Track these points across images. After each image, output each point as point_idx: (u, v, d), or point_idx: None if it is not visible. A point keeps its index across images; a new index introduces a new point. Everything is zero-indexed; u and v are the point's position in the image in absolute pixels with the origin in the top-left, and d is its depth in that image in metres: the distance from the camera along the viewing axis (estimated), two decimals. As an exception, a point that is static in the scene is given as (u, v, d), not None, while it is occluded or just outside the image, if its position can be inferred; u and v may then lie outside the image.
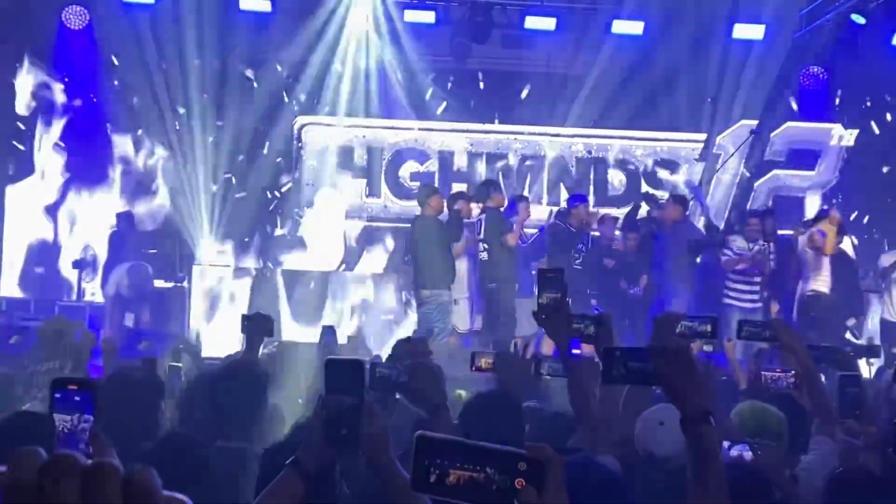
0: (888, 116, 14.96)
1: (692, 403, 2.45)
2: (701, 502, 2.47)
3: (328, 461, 2.40)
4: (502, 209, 11.08)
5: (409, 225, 11.46)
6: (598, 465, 2.94)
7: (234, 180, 14.37)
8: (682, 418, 2.46)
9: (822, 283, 11.36)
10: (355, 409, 2.33)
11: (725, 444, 3.75)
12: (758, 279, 11.68)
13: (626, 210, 13.33)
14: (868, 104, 14.96)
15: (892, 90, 14.78)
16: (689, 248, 11.81)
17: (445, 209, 11.05)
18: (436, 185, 13.79)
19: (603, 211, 13.21)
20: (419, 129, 14.70)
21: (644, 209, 13.02)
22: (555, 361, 4.56)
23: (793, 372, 4.71)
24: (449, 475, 1.45)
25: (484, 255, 10.94)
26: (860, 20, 13.40)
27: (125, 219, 13.23)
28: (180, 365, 6.01)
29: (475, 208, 11.36)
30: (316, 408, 2.38)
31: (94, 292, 13.37)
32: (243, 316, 5.67)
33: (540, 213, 13.73)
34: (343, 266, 14.26)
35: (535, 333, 10.34)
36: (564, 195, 14.63)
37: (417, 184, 13.43)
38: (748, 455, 3.69)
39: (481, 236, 10.94)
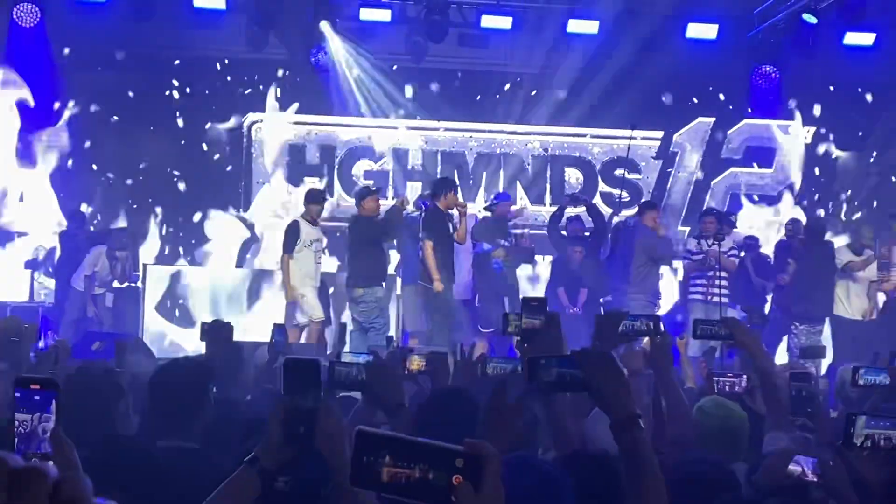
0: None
1: (620, 408, 2.44)
2: (639, 505, 2.46)
3: (285, 460, 2.41)
4: (450, 211, 10.96)
5: None
6: (535, 464, 2.92)
7: (183, 178, 14.30)
8: (612, 424, 2.45)
9: None
10: (313, 408, 2.35)
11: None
12: (721, 275, 11.69)
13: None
14: (821, 102, 15.14)
15: (845, 88, 14.94)
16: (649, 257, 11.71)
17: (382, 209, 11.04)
18: (390, 182, 13.87)
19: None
20: (373, 127, 14.64)
21: (573, 211, 12.89)
22: (501, 360, 4.61)
23: (745, 376, 4.73)
24: (387, 471, 1.45)
25: (421, 254, 10.79)
26: (812, 20, 13.57)
27: (74, 218, 13.07)
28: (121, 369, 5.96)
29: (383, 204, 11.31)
30: (275, 407, 2.39)
31: (46, 293, 13.20)
32: (203, 324, 5.65)
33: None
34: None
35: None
36: (521, 193, 14.66)
37: (371, 182, 13.33)
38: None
39: (420, 233, 10.81)
